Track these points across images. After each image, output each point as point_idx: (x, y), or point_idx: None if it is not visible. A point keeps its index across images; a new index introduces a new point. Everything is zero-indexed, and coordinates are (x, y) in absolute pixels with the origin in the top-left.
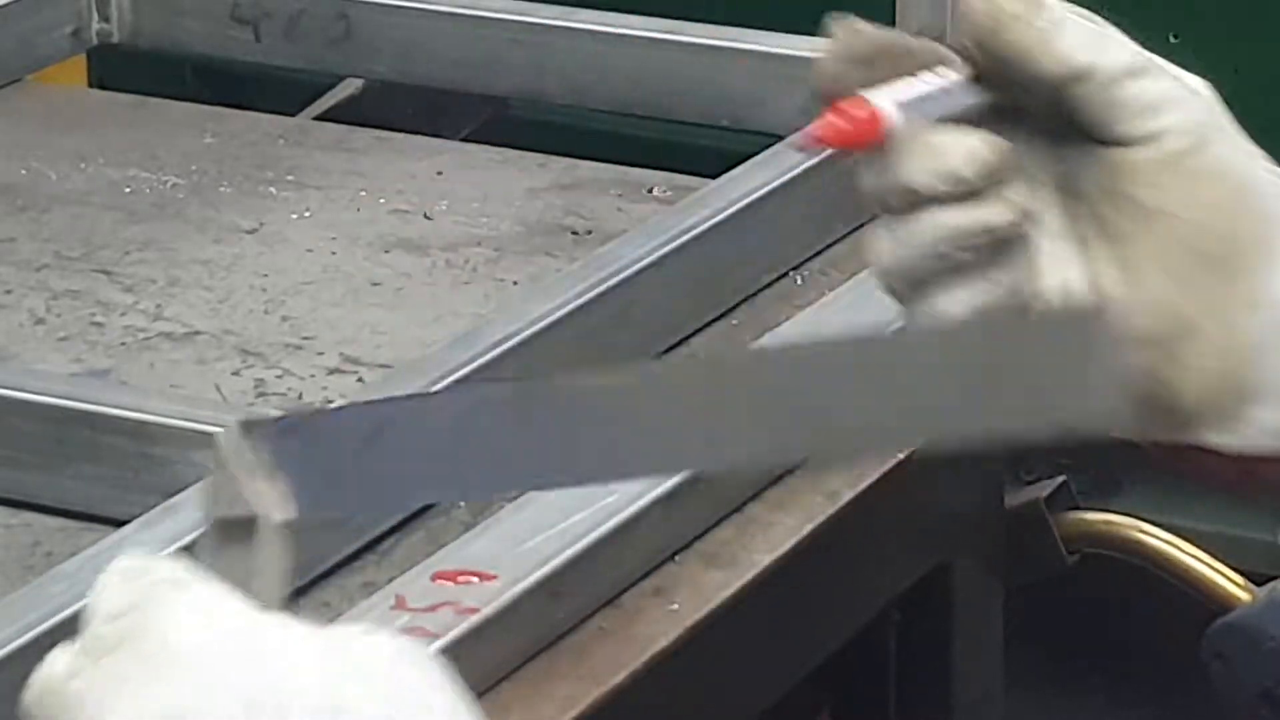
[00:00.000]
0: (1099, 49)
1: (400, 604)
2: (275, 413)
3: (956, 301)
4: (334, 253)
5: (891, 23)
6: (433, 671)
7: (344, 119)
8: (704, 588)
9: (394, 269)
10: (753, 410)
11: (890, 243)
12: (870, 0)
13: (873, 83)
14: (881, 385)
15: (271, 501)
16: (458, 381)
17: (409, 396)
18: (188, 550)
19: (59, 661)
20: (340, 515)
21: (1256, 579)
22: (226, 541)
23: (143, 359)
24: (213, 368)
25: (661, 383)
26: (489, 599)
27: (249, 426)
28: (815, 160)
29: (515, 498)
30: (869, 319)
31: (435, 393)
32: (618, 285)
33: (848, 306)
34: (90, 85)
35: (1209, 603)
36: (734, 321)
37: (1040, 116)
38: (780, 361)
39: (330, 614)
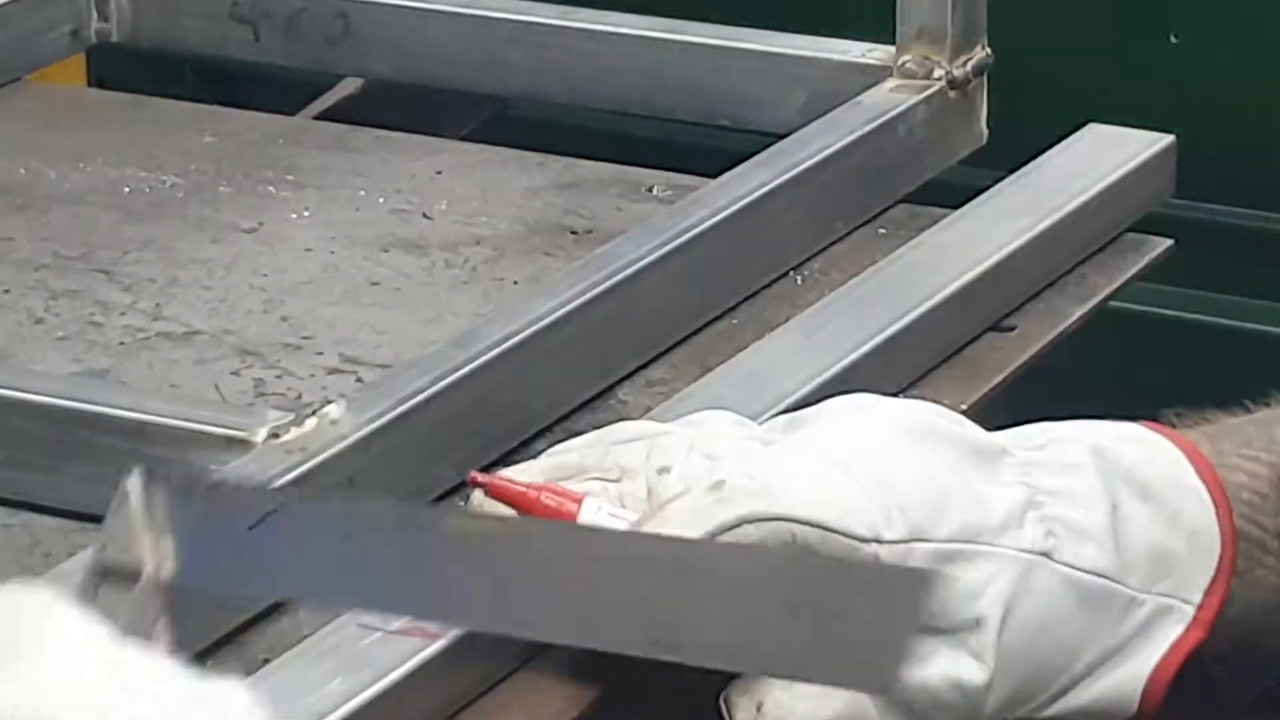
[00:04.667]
0: None
1: None
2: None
3: None
4: (333, 252)
5: (892, 23)
6: None
7: (343, 118)
8: None
9: (393, 269)
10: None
11: None
12: (871, 1)
13: None
14: (688, 594)
15: (161, 558)
16: (457, 381)
17: (305, 492)
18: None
19: None
20: (219, 590)
21: None
22: (109, 586)
23: (142, 359)
24: (212, 368)
25: (530, 544)
26: None
27: (153, 478)
28: (815, 160)
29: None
30: (867, 320)
31: (329, 497)
32: (618, 285)
33: (846, 309)
34: (89, 84)
35: None
36: (734, 321)
37: None
38: (616, 547)
39: (330, 613)
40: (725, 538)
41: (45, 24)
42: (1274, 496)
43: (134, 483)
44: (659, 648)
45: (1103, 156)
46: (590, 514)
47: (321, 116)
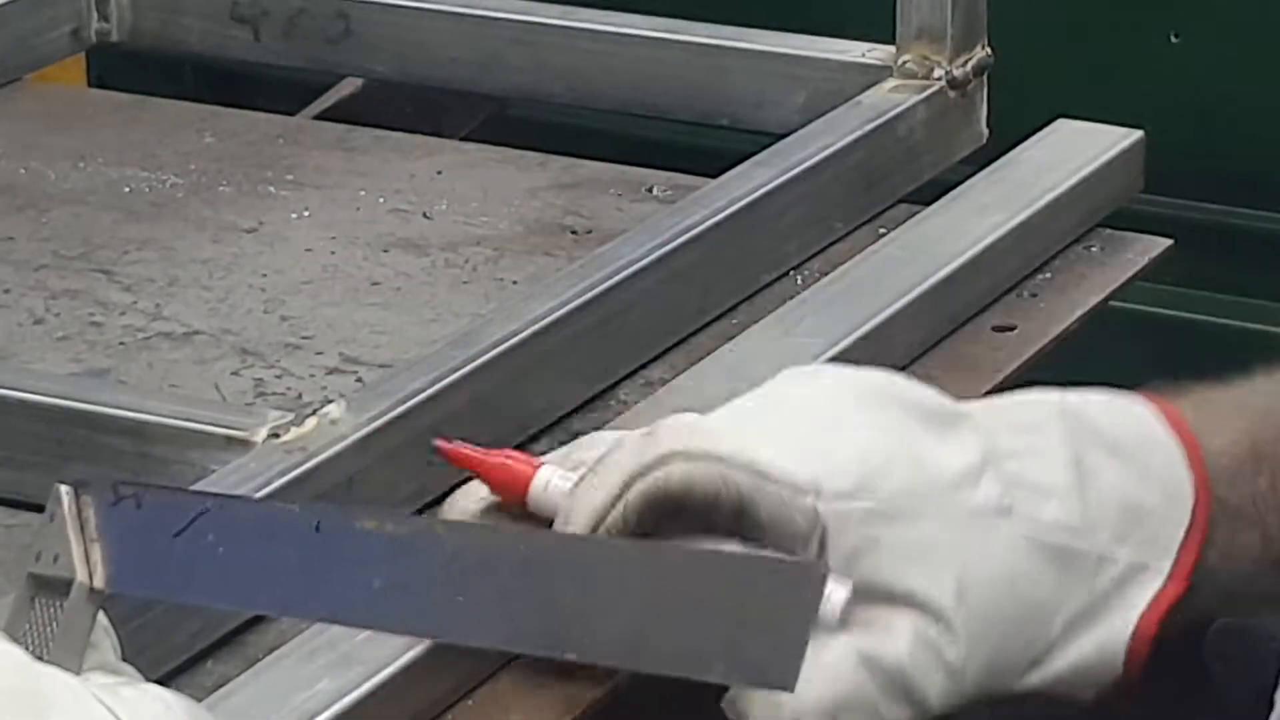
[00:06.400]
0: None
1: None
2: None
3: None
4: (333, 252)
5: (892, 23)
6: None
7: (343, 118)
8: None
9: (393, 268)
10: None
11: None
12: (871, 1)
13: None
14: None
15: (92, 567)
16: (457, 381)
17: (229, 497)
18: None
19: None
20: (149, 596)
21: None
22: (40, 596)
23: (142, 359)
24: (212, 367)
25: (437, 544)
26: None
27: (83, 488)
28: (815, 160)
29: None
30: (846, 315)
31: (255, 500)
32: (618, 285)
33: (824, 304)
34: (89, 84)
35: None
36: (734, 321)
37: None
38: (518, 547)
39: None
40: (655, 476)
41: (45, 24)
42: (1251, 463)
43: (64, 493)
44: (559, 646)
45: (1073, 151)
46: (544, 478)
47: (321, 116)
